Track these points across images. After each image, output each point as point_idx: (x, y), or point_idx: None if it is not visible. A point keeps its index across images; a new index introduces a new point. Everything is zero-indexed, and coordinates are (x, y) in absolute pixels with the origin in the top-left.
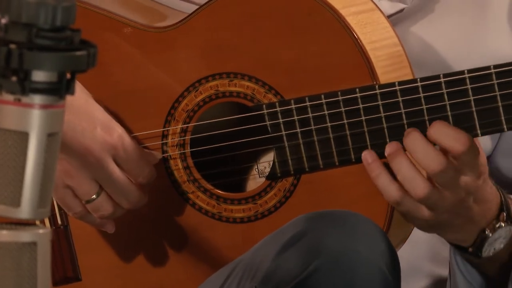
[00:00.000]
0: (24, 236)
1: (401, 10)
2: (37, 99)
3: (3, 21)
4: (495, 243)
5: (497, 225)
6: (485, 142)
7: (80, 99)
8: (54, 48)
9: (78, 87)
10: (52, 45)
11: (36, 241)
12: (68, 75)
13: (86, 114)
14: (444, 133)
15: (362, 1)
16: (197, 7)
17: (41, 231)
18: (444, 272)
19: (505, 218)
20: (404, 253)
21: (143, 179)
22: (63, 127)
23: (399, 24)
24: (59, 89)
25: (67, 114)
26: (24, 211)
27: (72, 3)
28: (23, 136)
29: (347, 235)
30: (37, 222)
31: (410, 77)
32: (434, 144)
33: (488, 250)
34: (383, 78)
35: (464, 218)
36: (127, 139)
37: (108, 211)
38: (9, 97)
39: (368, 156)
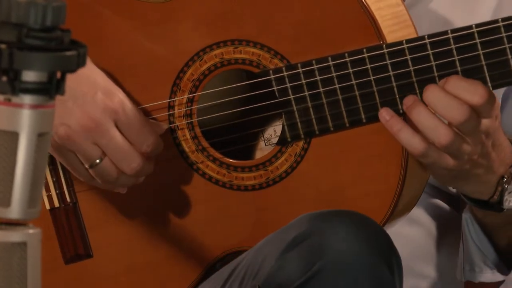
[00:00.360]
0: (14, 236)
1: None
2: (27, 99)
3: None
4: None
5: None
6: None
7: (87, 69)
8: (44, 48)
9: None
10: (42, 45)
11: (26, 241)
12: (58, 75)
13: (87, 79)
14: (461, 87)
15: None
16: None
17: (31, 231)
18: (431, 272)
19: None
20: None
21: (147, 147)
22: (64, 94)
23: None
24: (49, 89)
25: (68, 80)
26: (14, 211)
27: (62, 3)
28: (13, 136)
29: (350, 236)
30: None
31: (414, 36)
32: None
33: (509, 200)
34: (390, 38)
35: (483, 166)
36: (128, 104)
37: (112, 176)
38: None
39: (385, 113)
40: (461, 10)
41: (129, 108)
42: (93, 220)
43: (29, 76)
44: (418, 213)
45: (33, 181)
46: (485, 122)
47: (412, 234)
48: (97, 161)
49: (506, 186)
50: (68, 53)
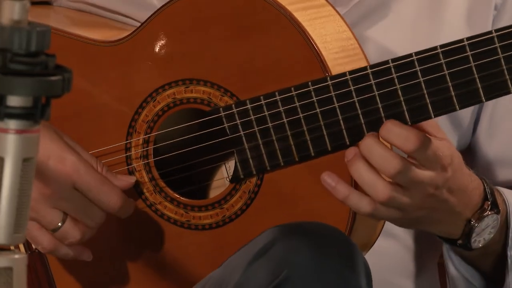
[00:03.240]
0: (0, 261)
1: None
2: (12, 124)
3: None
4: (484, 233)
5: (484, 214)
6: (464, 128)
7: None
8: (29, 73)
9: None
10: (27, 70)
11: (12, 266)
12: (43, 100)
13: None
14: (395, 133)
15: None
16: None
17: (16, 256)
18: (408, 284)
19: (490, 206)
20: (373, 266)
21: (114, 205)
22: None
23: (354, 28)
24: (34, 114)
25: None
26: (0, 236)
27: (47, 28)
28: None
29: (316, 244)
30: (12, 247)
31: (362, 60)
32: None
33: (477, 241)
34: (337, 70)
35: (443, 211)
36: (82, 166)
37: (76, 237)
38: None
39: (329, 180)
40: (427, 18)
41: (84, 170)
42: (59, 265)
43: (14, 101)
44: (393, 226)
45: (18, 206)
46: (428, 174)
47: (387, 247)
48: (59, 224)
49: (474, 227)
50: (53, 78)
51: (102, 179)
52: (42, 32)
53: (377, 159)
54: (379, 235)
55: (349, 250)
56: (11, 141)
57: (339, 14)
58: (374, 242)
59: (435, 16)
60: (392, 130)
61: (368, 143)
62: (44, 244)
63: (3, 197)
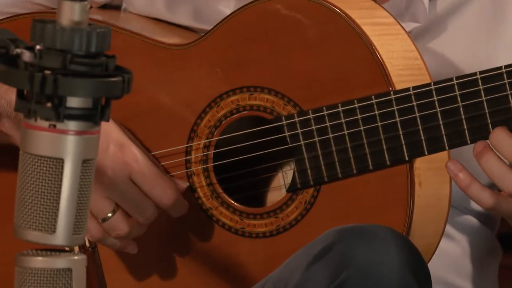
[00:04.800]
0: (59, 262)
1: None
2: (72, 125)
3: (38, 47)
4: None
5: None
6: None
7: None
8: (89, 74)
9: None
10: (87, 71)
11: (71, 268)
12: (103, 101)
13: (102, 136)
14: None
15: (382, 14)
16: None
17: (76, 257)
18: (465, 285)
19: None
20: (430, 264)
21: (167, 200)
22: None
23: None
24: (94, 115)
25: None
26: (59, 237)
27: (107, 29)
28: (58, 163)
29: (375, 247)
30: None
31: (425, 75)
32: None
33: None
34: (400, 87)
35: None
36: (141, 157)
37: (124, 230)
38: (44, 124)
39: (453, 167)
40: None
41: (142, 161)
42: (112, 264)
43: (74, 102)
44: (451, 230)
45: (78, 207)
46: None
47: (446, 248)
48: (109, 214)
49: None
50: (113, 79)
51: (159, 172)
52: (102, 33)
53: (507, 150)
54: (435, 251)
55: (410, 254)
56: (71, 142)
57: (407, 34)
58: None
59: (496, 31)
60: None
61: (498, 135)
62: (92, 232)
63: (62, 199)
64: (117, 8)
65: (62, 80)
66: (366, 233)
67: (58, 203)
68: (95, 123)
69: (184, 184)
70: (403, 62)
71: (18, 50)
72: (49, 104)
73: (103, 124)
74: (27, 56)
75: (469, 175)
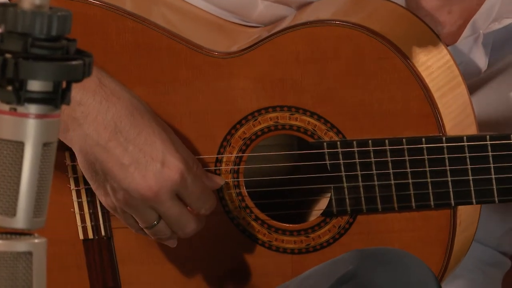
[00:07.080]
0: (19, 246)
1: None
2: (33, 108)
3: None
4: None
5: None
6: None
7: (148, 128)
8: (50, 57)
9: (150, 114)
10: (48, 55)
11: (32, 251)
12: (64, 85)
13: (150, 145)
14: None
15: (437, 52)
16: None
17: (36, 240)
18: None
19: None
20: None
21: (205, 211)
22: (127, 159)
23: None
24: (54, 99)
25: (132, 144)
26: (20, 221)
27: (68, 13)
28: (19, 146)
29: (398, 277)
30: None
31: (473, 124)
32: None
33: None
34: (449, 126)
35: None
36: (188, 174)
37: (166, 235)
38: (5, 107)
39: None
40: None
41: (189, 178)
42: (126, 255)
43: (35, 85)
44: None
45: (38, 190)
46: None
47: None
48: (154, 223)
49: None
50: (74, 62)
51: (204, 186)
52: (63, 17)
53: None
54: None
55: (431, 285)
56: (31, 126)
57: (464, 84)
58: None
59: None
60: None
61: None
62: (136, 229)
63: (23, 182)
64: None
65: (23, 63)
66: (391, 260)
67: (18, 186)
68: (56, 107)
69: (221, 181)
70: (454, 101)
71: None
72: (9, 88)
73: (154, 136)
74: None
75: None
